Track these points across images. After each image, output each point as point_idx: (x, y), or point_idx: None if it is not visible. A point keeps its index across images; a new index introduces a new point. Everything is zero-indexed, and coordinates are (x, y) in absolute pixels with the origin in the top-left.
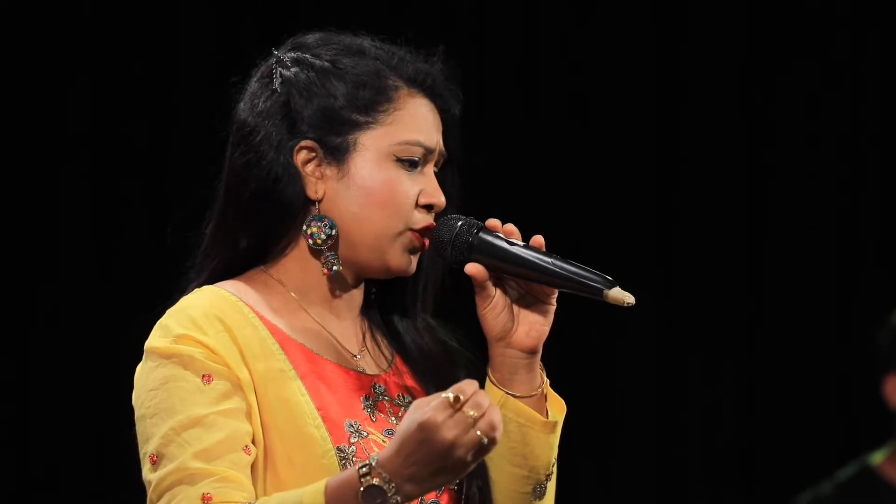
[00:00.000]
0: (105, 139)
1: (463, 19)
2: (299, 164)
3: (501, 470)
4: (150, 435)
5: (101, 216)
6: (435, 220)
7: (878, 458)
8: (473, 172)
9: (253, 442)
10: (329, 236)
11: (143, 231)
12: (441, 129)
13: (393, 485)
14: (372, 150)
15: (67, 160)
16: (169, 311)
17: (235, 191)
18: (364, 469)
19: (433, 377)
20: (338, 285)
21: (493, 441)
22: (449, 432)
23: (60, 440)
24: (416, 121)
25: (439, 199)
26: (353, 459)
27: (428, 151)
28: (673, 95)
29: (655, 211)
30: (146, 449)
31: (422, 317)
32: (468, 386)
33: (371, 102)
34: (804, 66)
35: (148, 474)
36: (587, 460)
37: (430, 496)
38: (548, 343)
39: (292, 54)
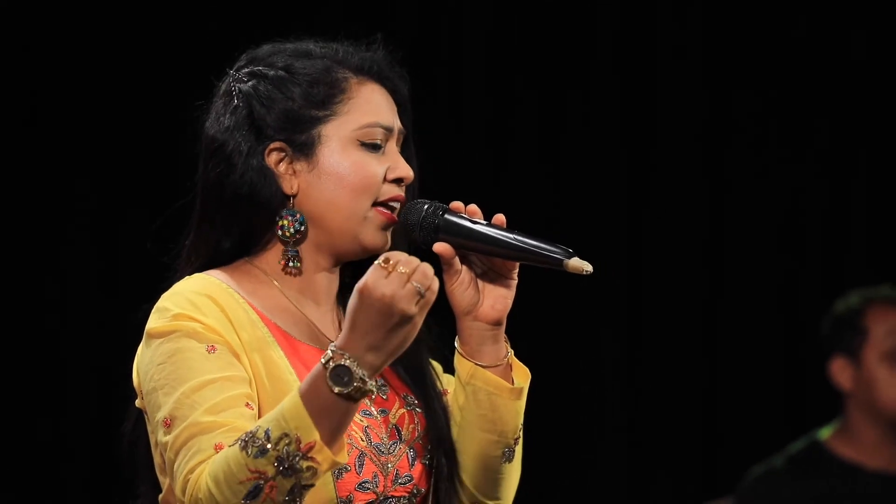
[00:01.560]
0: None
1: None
2: (272, 164)
3: (473, 437)
4: (163, 403)
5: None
6: (406, 196)
7: (825, 433)
8: (441, 159)
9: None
10: (297, 231)
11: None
12: (395, 109)
13: (354, 360)
14: (335, 139)
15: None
16: (164, 296)
17: (213, 200)
18: (327, 356)
19: (401, 358)
20: (316, 274)
21: (429, 289)
22: (387, 288)
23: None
24: (371, 105)
25: (407, 172)
26: None
27: (387, 130)
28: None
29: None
30: (159, 416)
31: None
32: (397, 253)
33: (326, 97)
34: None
35: (163, 437)
36: (556, 440)
37: (404, 469)
38: (516, 322)
39: (247, 69)
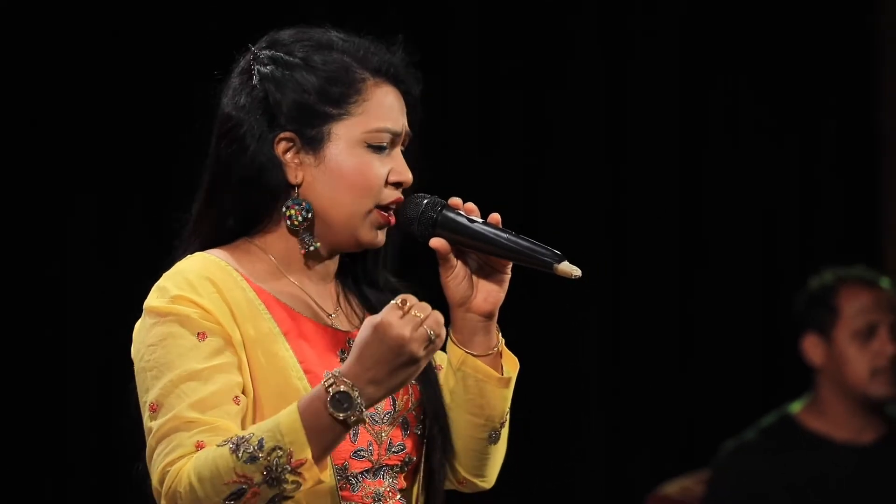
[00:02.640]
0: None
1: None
2: (280, 153)
3: (461, 419)
4: (150, 386)
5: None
6: (404, 195)
7: (796, 407)
8: (440, 154)
9: (243, 392)
10: (305, 219)
11: (148, 210)
12: (405, 111)
13: (356, 389)
14: (344, 138)
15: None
16: (165, 275)
17: (222, 177)
18: (329, 381)
19: None
20: (314, 256)
21: (439, 336)
22: (402, 329)
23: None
24: (383, 109)
25: (407, 176)
26: None
27: (395, 135)
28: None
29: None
30: (146, 398)
31: (384, 277)
32: (411, 296)
33: (342, 96)
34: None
35: (148, 421)
36: (538, 420)
37: (397, 439)
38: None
39: (268, 52)
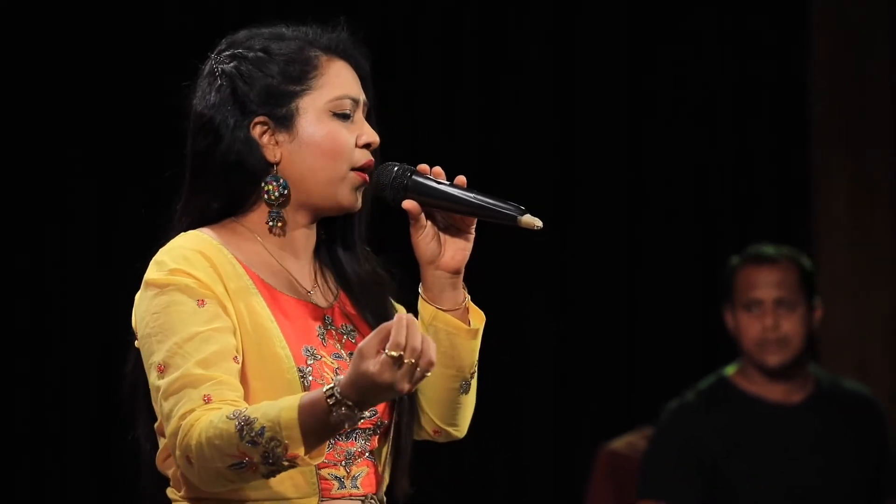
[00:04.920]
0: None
1: None
2: (256, 136)
3: (434, 372)
4: (156, 349)
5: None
6: (375, 162)
7: (731, 370)
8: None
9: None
10: (281, 194)
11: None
12: (360, 83)
13: (355, 405)
14: (311, 110)
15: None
16: (162, 250)
17: (202, 168)
18: (330, 395)
19: (368, 305)
20: (295, 231)
21: (430, 370)
22: (400, 384)
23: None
24: (340, 79)
25: (374, 137)
26: (310, 378)
27: (355, 102)
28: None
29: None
30: (153, 360)
31: (360, 246)
32: (399, 333)
33: (301, 73)
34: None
35: (156, 381)
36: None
37: None
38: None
39: (228, 52)
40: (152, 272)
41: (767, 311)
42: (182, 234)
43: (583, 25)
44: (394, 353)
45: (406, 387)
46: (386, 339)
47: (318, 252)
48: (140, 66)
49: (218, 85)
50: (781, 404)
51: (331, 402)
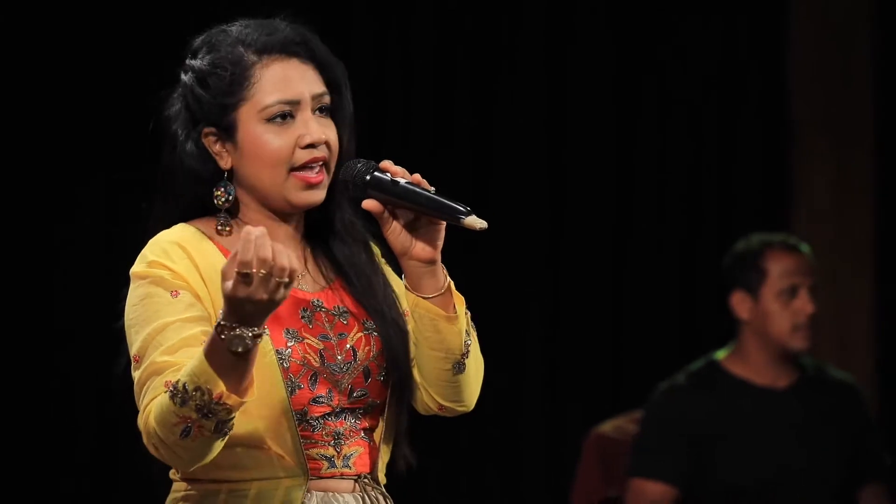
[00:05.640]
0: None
1: None
2: (209, 146)
3: (425, 354)
4: (134, 341)
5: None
6: (343, 161)
7: (721, 354)
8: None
9: None
10: (227, 200)
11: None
12: (311, 75)
13: (240, 329)
14: (246, 121)
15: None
16: (148, 242)
17: (168, 175)
18: (218, 327)
19: (361, 284)
20: (277, 221)
21: (292, 275)
22: (259, 296)
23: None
24: (273, 84)
25: (317, 136)
26: (289, 360)
27: (292, 103)
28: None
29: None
30: (131, 352)
31: (346, 226)
32: (245, 252)
33: (235, 86)
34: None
35: (133, 372)
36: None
37: (359, 386)
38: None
39: (187, 61)
40: (136, 265)
41: (806, 297)
42: (172, 227)
43: (574, 28)
44: (242, 271)
45: (265, 297)
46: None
47: (307, 238)
48: (142, 66)
49: (177, 94)
50: (768, 388)
51: (219, 331)
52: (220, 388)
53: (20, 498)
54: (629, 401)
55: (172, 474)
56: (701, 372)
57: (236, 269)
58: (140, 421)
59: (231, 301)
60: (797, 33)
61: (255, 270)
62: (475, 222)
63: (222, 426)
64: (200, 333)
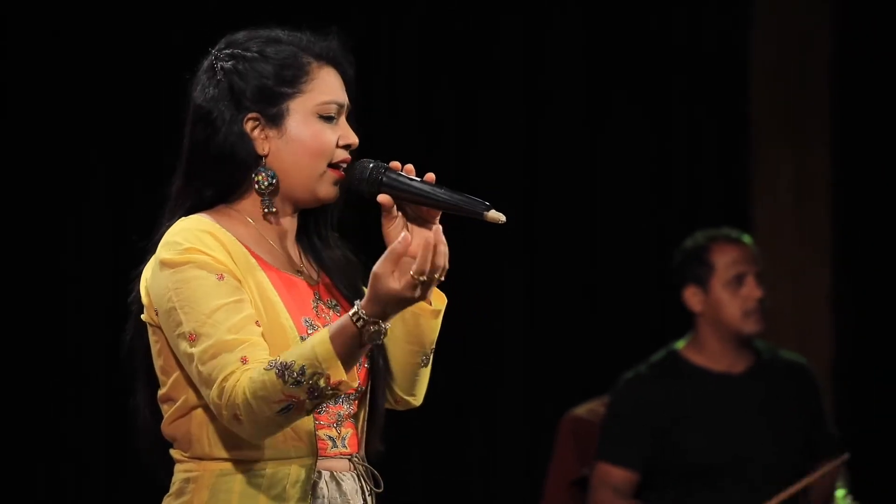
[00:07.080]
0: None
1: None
2: (248, 130)
3: (399, 348)
4: (183, 320)
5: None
6: (352, 157)
7: (680, 344)
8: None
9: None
10: (270, 184)
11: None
12: (345, 88)
13: (381, 322)
14: (300, 112)
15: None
16: (172, 232)
17: (198, 157)
18: (356, 317)
19: (345, 285)
20: (282, 218)
21: (430, 280)
22: (392, 283)
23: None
24: (328, 85)
25: (354, 139)
26: None
27: (340, 106)
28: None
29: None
30: (181, 330)
31: (332, 233)
32: (425, 261)
33: (294, 77)
34: None
35: (188, 349)
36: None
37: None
38: None
39: (227, 51)
40: (167, 252)
41: (753, 283)
42: (184, 219)
43: (551, 21)
44: (420, 278)
45: (418, 296)
46: (396, 261)
47: (298, 237)
48: (144, 66)
49: (217, 80)
50: (726, 374)
51: (359, 324)
52: (340, 375)
53: (27, 474)
54: (603, 385)
55: (177, 454)
56: (662, 362)
57: (413, 273)
58: (213, 392)
59: (391, 299)
60: (759, 33)
61: (428, 277)
62: (497, 216)
63: (318, 407)
64: (253, 315)
